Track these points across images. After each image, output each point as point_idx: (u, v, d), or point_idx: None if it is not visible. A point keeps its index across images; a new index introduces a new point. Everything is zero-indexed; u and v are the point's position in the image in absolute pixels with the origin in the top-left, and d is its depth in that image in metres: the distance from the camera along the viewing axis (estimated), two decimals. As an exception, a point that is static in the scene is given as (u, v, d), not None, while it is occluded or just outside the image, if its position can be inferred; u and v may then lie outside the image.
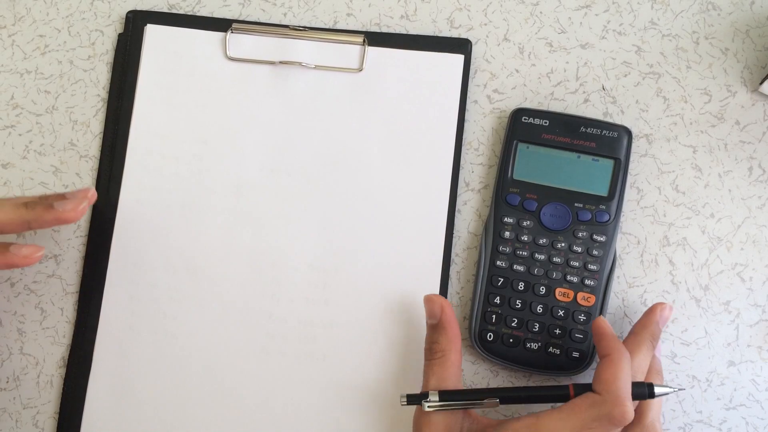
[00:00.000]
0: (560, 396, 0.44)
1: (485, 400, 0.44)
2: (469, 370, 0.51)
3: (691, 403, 0.50)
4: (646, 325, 0.47)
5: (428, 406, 0.44)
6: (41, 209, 0.45)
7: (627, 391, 0.42)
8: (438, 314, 0.47)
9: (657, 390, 0.44)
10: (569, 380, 0.50)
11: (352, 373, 0.50)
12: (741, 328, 0.50)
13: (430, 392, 0.44)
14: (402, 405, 0.45)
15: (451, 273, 0.52)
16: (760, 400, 0.50)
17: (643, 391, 0.44)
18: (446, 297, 0.51)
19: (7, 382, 0.52)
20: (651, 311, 0.48)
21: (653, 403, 0.45)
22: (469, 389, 0.45)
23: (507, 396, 0.45)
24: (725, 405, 0.50)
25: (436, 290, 0.51)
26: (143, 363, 0.51)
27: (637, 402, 0.45)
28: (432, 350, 0.47)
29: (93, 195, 0.47)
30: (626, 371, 0.42)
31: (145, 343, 0.51)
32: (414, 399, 0.45)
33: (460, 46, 0.53)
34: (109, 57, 0.55)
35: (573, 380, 0.50)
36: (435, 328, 0.47)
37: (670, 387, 0.45)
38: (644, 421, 0.45)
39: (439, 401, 0.44)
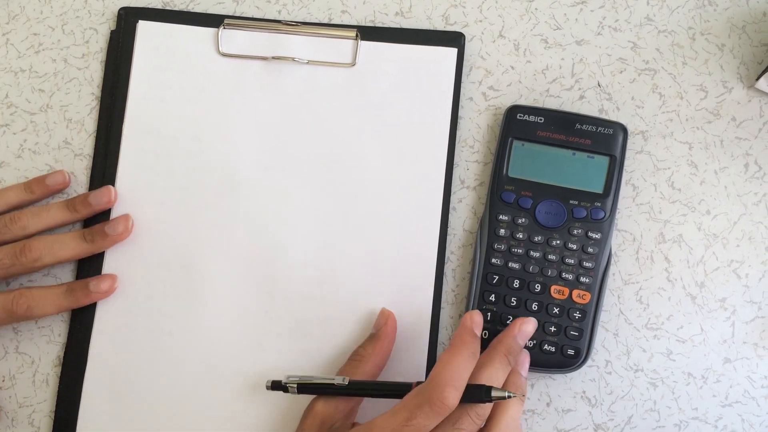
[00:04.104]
0: (403, 391, 0.44)
1: (335, 378, 0.46)
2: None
3: (686, 400, 0.50)
4: (501, 339, 0.46)
5: (290, 388, 0.47)
6: (99, 239, 0.51)
7: (452, 378, 0.41)
8: (380, 325, 0.49)
9: (494, 393, 0.42)
10: (564, 377, 0.50)
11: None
12: (737, 325, 0.50)
13: (289, 380, 0.47)
14: (266, 389, 0.48)
15: (446, 270, 0.52)
16: (756, 396, 0.50)
17: (479, 393, 0.42)
18: (441, 294, 0.51)
19: (3, 381, 0.52)
20: (511, 325, 0.47)
21: (508, 413, 0.44)
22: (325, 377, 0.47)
23: (356, 384, 0.46)
24: (721, 402, 0.50)
25: (431, 287, 0.51)
26: (139, 361, 0.51)
27: (486, 406, 0.43)
28: (353, 354, 0.49)
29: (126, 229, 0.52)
30: (459, 360, 0.42)
31: (140, 340, 0.51)
32: (277, 385, 0.47)
33: (453, 39, 0.53)
34: (103, 55, 0.55)
35: (568, 377, 0.50)
36: (371, 336, 0.49)
37: (509, 392, 0.42)
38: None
39: (297, 389, 0.47)
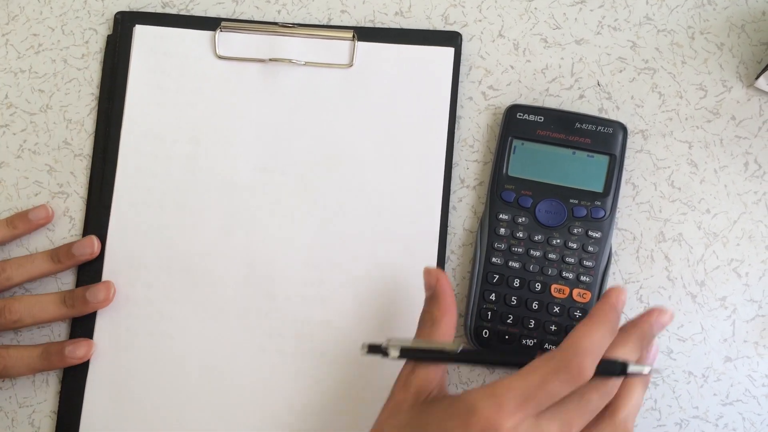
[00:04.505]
0: (522, 361, 0.41)
1: (445, 344, 0.43)
2: (465, 367, 0.51)
3: (687, 399, 0.50)
4: (637, 323, 0.44)
5: (391, 352, 0.43)
6: (80, 304, 0.51)
7: (592, 349, 0.39)
8: (433, 285, 0.46)
9: (631, 369, 0.40)
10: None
11: (349, 370, 0.50)
12: (737, 323, 0.50)
13: (390, 343, 0.43)
14: (362, 355, 0.44)
15: (446, 270, 0.52)
16: (757, 395, 0.50)
17: (614, 367, 0.40)
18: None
19: (3, 381, 0.52)
20: (647, 312, 0.44)
21: (633, 399, 0.42)
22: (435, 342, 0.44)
23: (470, 352, 0.44)
24: (722, 401, 0.50)
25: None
26: (141, 363, 0.51)
27: (612, 385, 0.41)
28: (423, 320, 0.46)
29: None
30: (600, 332, 0.40)
31: (141, 343, 0.51)
32: (375, 349, 0.44)
33: (450, 39, 0.53)
34: (102, 56, 0.55)
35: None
36: (430, 298, 0.46)
37: (646, 366, 0.40)
38: (616, 418, 0.41)
39: (399, 355, 0.43)
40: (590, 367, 0.39)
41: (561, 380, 0.38)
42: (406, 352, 0.43)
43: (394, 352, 0.43)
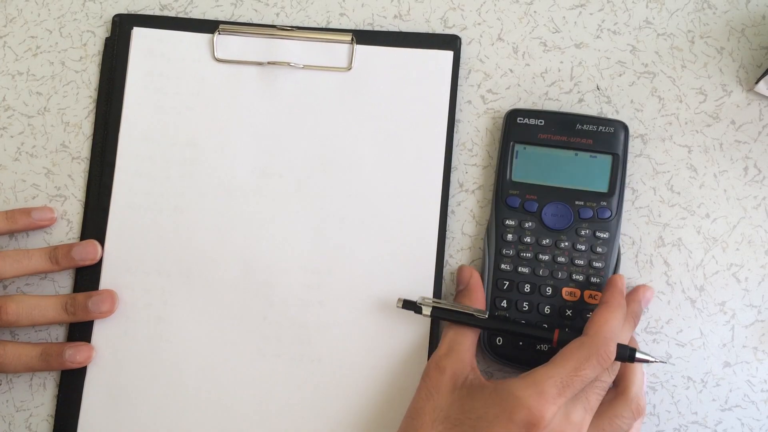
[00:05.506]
0: (543, 335, 0.46)
1: (474, 310, 0.47)
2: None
3: (686, 405, 0.50)
4: (629, 303, 0.48)
5: (424, 308, 0.47)
6: (81, 313, 0.50)
7: (614, 335, 0.44)
8: (467, 280, 0.50)
9: (638, 355, 0.44)
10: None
11: (346, 374, 0.50)
12: (736, 328, 0.50)
13: (424, 302, 0.48)
14: (397, 307, 0.48)
15: (444, 274, 0.51)
16: (756, 401, 0.49)
17: (624, 353, 0.44)
18: (440, 297, 0.51)
19: (0, 384, 0.52)
20: (634, 291, 0.49)
21: (637, 376, 0.46)
22: (465, 307, 0.48)
23: (496, 318, 0.48)
24: (721, 406, 0.50)
25: (430, 291, 0.51)
26: (139, 367, 0.51)
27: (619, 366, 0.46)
28: None
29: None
30: (618, 319, 0.45)
31: (140, 347, 0.51)
32: (409, 305, 0.48)
33: (449, 42, 0.53)
34: (100, 58, 0.55)
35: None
36: (461, 293, 0.50)
37: (651, 356, 0.45)
38: (629, 394, 0.45)
39: (431, 315, 0.47)
40: (614, 352, 0.43)
41: (593, 366, 0.43)
42: (437, 311, 0.47)
43: (426, 310, 0.47)
